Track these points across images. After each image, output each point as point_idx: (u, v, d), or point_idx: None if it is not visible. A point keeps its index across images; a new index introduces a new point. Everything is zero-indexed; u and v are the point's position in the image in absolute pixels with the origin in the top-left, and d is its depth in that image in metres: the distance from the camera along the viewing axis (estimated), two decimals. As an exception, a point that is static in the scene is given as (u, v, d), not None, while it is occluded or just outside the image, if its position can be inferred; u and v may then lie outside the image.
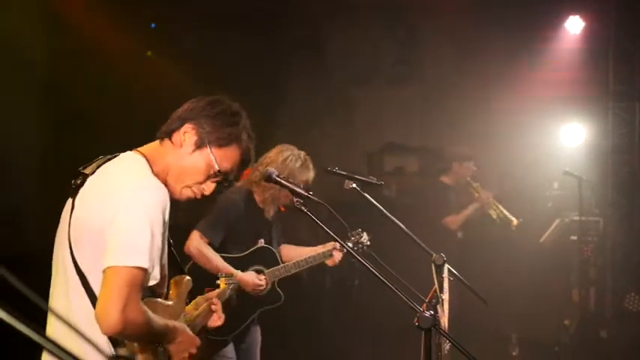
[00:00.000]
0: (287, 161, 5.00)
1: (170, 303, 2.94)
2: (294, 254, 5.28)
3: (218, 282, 3.70)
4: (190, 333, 2.94)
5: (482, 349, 8.24)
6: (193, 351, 2.93)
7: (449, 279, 4.23)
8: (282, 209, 5.38)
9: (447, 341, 3.64)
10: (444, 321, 4.06)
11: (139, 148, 2.90)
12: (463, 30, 10.03)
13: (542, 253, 8.80)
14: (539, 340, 8.46)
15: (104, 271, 2.55)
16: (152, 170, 2.79)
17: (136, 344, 2.70)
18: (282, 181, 3.36)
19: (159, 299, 2.85)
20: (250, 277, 4.93)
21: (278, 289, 5.11)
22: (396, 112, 11.33)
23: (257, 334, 5.22)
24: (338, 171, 4.63)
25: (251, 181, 5.06)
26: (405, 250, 5.23)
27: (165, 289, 2.94)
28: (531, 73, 9.73)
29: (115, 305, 2.49)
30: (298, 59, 10.94)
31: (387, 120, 11.41)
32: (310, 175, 5.06)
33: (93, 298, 2.63)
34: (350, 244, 5.09)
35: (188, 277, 3.12)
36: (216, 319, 3.36)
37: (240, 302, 4.77)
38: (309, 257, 5.14)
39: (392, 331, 8.03)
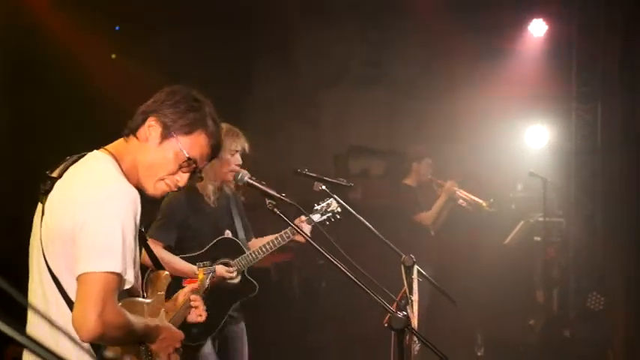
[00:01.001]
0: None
1: (148, 301, 2.93)
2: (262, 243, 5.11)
3: (196, 273, 3.57)
4: (173, 328, 2.93)
5: (448, 350, 8.22)
6: (177, 345, 2.92)
7: (418, 280, 4.25)
8: (244, 197, 5.26)
9: (417, 342, 3.67)
10: (414, 322, 4.08)
11: (106, 147, 2.87)
12: (431, 32, 10.08)
13: (506, 254, 8.88)
14: (505, 340, 8.54)
15: (78, 278, 2.54)
16: (121, 169, 2.77)
17: (117, 347, 2.69)
18: (255, 183, 3.36)
19: (137, 298, 2.84)
20: (218, 272, 4.77)
21: (250, 278, 4.99)
22: (363, 114, 11.35)
23: (238, 329, 5.08)
24: (307, 173, 4.65)
25: None
26: (373, 252, 5.25)
27: (141, 288, 2.93)
28: (497, 75, 9.82)
29: (91, 312, 2.48)
30: (266, 60, 10.92)
31: (354, 122, 11.42)
32: (240, 140, 4.91)
33: (70, 303, 2.62)
34: (318, 216, 5.05)
35: (166, 273, 3.12)
36: (198, 315, 3.33)
37: (212, 300, 4.54)
38: (276, 238, 4.98)
39: (360, 332, 8.04)
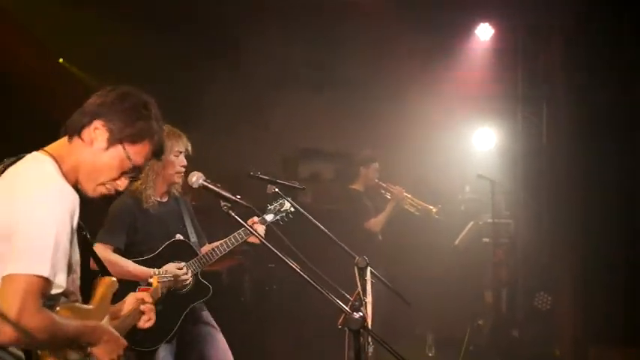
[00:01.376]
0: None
1: (90, 307, 2.87)
2: (207, 248, 5.07)
3: (150, 280, 3.58)
4: (115, 333, 2.87)
5: (400, 350, 8.35)
6: (121, 353, 2.87)
7: (371, 281, 4.26)
8: (193, 201, 5.23)
9: (371, 343, 3.68)
10: (368, 323, 4.09)
11: (45, 148, 2.81)
12: (376, 34, 10.11)
13: (456, 256, 8.96)
14: (455, 341, 8.62)
15: (3, 278, 2.50)
16: (61, 170, 2.73)
17: (47, 352, 2.63)
18: (210, 186, 3.33)
19: (76, 303, 2.78)
20: (169, 271, 4.71)
21: (203, 280, 4.95)
22: (311, 117, 11.33)
23: (203, 329, 5.00)
24: (260, 175, 4.64)
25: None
26: (326, 255, 5.25)
27: (79, 294, 2.86)
28: (443, 77, 9.89)
29: (9, 314, 2.43)
30: (213, 63, 10.83)
31: (302, 124, 11.40)
32: (182, 141, 4.90)
33: None
34: (272, 216, 5.05)
35: (113, 279, 3.05)
36: (147, 320, 3.28)
37: (166, 303, 4.60)
38: (229, 239, 4.94)
39: (314, 334, 8.05)
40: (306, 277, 3.12)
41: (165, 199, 4.97)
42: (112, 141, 2.80)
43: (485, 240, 8.92)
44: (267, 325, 8.82)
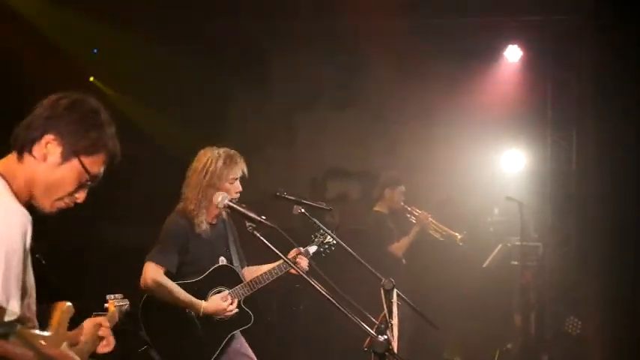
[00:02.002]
0: (207, 165, 4.82)
1: (47, 333, 2.73)
2: (257, 273, 5.02)
3: (106, 305, 3.45)
4: (76, 357, 2.78)
5: (427, 374, 8.33)
6: None
7: (398, 304, 4.24)
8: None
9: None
10: (394, 346, 4.07)
11: None
12: (404, 56, 10.11)
13: (485, 278, 8.89)
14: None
15: None
16: (11, 188, 2.60)
17: None
18: (235, 206, 3.34)
19: (32, 330, 2.65)
20: (216, 305, 4.73)
21: (245, 308, 4.91)
22: (337, 137, 11.35)
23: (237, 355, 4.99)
24: (287, 196, 4.64)
25: (184, 199, 4.89)
26: (352, 276, 5.24)
27: (36, 319, 2.73)
28: (472, 99, 9.85)
29: None
30: (240, 84, 10.90)
31: (329, 145, 11.41)
32: (239, 167, 4.88)
33: None
34: (315, 247, 5.05)
35: (69, 304, 2.91)
36: (105, 345, 3.11)
37: (207, 329, 4.68)
38: (272, 269, 4.91)
39: (340, 355, 8.01)
40: (332, 300, 3.11)
41: (214, 222, 4.94)
42: (67, 155, 2.68)
43: (514, 263, 8.83)
44: (294, 346, 8.80)
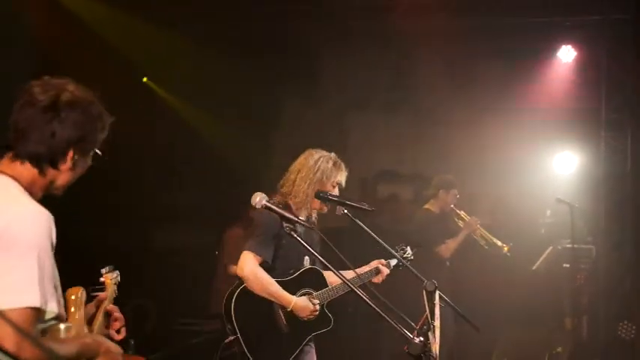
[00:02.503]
0: (319, 163, 4.97)
1: (69, 324, 2.75)
2: (335, 278, 4.98)
3: (102, 279, 3.40)
4: (110, 342, 2.84)
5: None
6: (120, 358, 2.83)
7: (440, 305, 4.24)
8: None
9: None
10: (436, 348, 4.06)
11: (3, 169, 2.66)
12: (456, 58, 10.07)
13: (535, 281, 8.80)
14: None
15: None
16: (26, 190, 2.62)
17: None
18: (273, 207, 3.39)
19: (60, 324, 2.68)
20: (306, 304, 4.81)
21: (327, 312, 4.99)
22: (389, 139, 11.35)
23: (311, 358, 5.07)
24: (329, 196, 4.67)
25: (284, 194, 4.98)
26: (396, 277, 5.26)
27: (64, 312, 2.77)
28: (525, 101, 9.78)
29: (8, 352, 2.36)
30: (293, 85, 10.97)
31: (381, 147, 11.42)
32: (343, 175, 5.04)
33: None
34: (395, 261, 5.15)
35: (82, 289, 2.95)
36: (118, 324, 3.19)
37: (291, 328, 4.79)
38: (357, 276, 4.95)
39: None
40: (371, 304, 3.14)
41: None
42: (86, 160, 2.77)
43: (566, 265, 8.72)
44: (342, 348, 8.84)
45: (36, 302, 2.43)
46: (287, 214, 3.29)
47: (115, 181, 8.54)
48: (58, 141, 2.65)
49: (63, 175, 2.71)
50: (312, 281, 4.94)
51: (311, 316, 4.85)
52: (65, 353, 2.58)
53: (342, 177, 5.02)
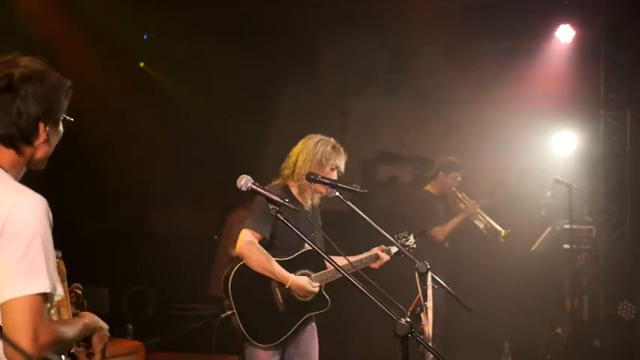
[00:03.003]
0: (318, 145, 5.01)
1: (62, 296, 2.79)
2: (342, 262, 4.95)
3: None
4: (100, 320, 2.88)
5: (475, 358, 8.27)
6: (108, 335, 2.88)
7: (433, 287, 4.23)
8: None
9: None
10: (429, 329, 4.06)
11: None
12: (455, 39, 10.05)
13: (534, 262, 8.78)
14: (532, 349, 8.45)
15: (3, 305, 2.43)
16: (13, 177, 2.62)
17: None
18: (259, 189, 3.39)
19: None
20: (304, 282, 4.86)
21: (325, 294, 5.02)
22: (389, 121, 11.34)
23: (311, 339, 5.10)
24: (320, 179, 4.66)
25: (285, 177, 5.04)
26: (392, 258, 5.25)
27: None
28: (523, 81, 9.74)
29: (24, 340, 2.39)
30: (292, 69, 10.96)
31: (381, 129, 11.42)
32: (342, 159, 5.06)
33: None
34: (396, 249, 5.10)
35: (61, 260, 2.92)
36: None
37: (288, 307, 4.85)
38: (357, 261, 5.03)
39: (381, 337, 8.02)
40: (358, 284, 3.12)
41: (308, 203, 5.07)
42: (58, 129, 2.74)
43: (566, 246, 8.70)
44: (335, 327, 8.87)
45: (46, 288, 2.46)
46: (272, 196, 3.28)
47: (114, 168, 8.56)
48: (26, 118, 2.62)
49: (40, 150, 2.70)
50: (311, 263, 4.98)
51: (308, 296, 4.89)
52: (72, 334, 2.64)
53: (340, 161, 5.03)
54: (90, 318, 2.84)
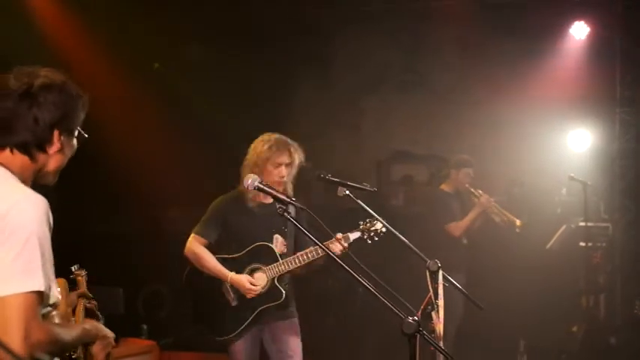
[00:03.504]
0: (257, 148, 5.08)
1: (61, 312, 2.81)
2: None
3: (73, 277, 3.32)
4: (104, 328, 2.90)
5: (490, 357, 8.24)
6: (113, 344, 2.91)
7: (444, 285, 4.22)
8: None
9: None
10: (440, 328, 4.05)
11: None
12: (469, 38, 10.02)
13: (550, 260, 8.75)
14: (548, 348, 8.41)
15: None
16: (18, 178, 2.64)
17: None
18: (265, 188, 3.41)
19: (54, 312, 2.72)
20: (241, 279, 4.99)
21: (279, 286, 5.06)
22: (403, 120, 11.32)
23: (289, 333, 5.16)
24: (330, 178, 4.65)
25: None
26: (406, 257, 5.24)
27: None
28: (538, 78, 9.70)
29: (15, 337, 2.39)
30: (306, 69, 10.95)
31: (395, 128, 11.40)
32: (283, 154, 5.01)
33: None
34: (357, 234, 5.09)
35: (65, 280, 2.99)
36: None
37: (241, 302, 5.01)
38: (306, 252, 5.03)
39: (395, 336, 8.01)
40: (365, 283, 3.12)
41: (270, 200, 4.98)
42: (72, 140, 2.76)
43: (582, 244, 8.65)
44: (352, 329, 8.87)
45: (40, 286, 2.46)
46: (280, 195, 3.30)
47: (125, 168, 8.59)
48: (42, 125, 2.65)
49: (53, 159, 2.72)
50: (262, 257, 5.06)
51: (252, 292, 4.98)
52: (69, 338, 2.64)
53: (282, 156, 5.01)
54: (91, 324, 2.87)
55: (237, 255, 5.07)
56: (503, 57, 9.90)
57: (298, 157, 5.09)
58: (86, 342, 2.80)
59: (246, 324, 5.04)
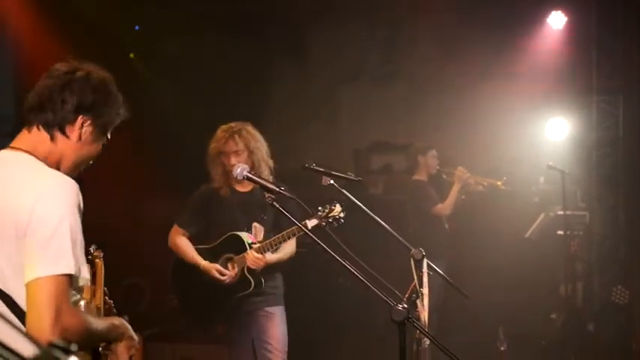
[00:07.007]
0: (212, 139, 5.13)
1: (87, 299, 2.85)
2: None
3: (90, 257, 3.39)
4: (130, 329, 2.88)
5: (470, 344, 8.27)
6: (137, 346, 2.89)
7: (428, 273, 4.23)
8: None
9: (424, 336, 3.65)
10: (424, 315, 4.06)
11: (14, 145, 2.70)
12: (446, 28, 10.04)
13: (528, 248, 8.81)
14: (527, 335, 8.47)
15: (28, 285, 2.45)
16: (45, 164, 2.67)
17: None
18: (254, 177, 3.41)
19: (81, 300, 2.76)
20: (210, 269, 5.06)
21: (248, 275, 5.07)
22: (381, 111, 11.32)
23: (269, 323, 5.16)
24: (315, 167, 4.63)
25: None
26: (386, 247, 5.26)
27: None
28: (516, 68, 9.75)
29: (45, 320, 2.40)
30: (283, 60, 10.93)
31: (373, 118, 11.40)
32: (226, 144, 5.01)
33: (17, 309, 2.52)
34: (315, 221, 4.92)
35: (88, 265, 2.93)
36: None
37: (209, 292, 5.11)
38: (273, 239, 5.03)
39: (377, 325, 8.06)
40: (353, 270, 3.13)
41: (248, 189, 5.12)
42: (98, 135, 2.78)
43: (560, 232, 8.71)
44: (333, 318, 8.86)
45: (70, 269, 2.49)
46: (268, 185, 3.29)
47: (102, 158, 8.51)
48: (68, 107, 2.70)
49: (72, 148, 2.73)
50: (233, 247, 5.12)
51: (221, 281, 5.05)
52: (99, 329, 2.66)
53: (227, 146, 5.02)
54: (120, 321, 2.85)
55: (211, 245, 5.17)
56: (481, 47, 9.92)
57: (251, 141, 5.03)
58: (113, 338, 2.77)
59: (223, 313, 5.16)
